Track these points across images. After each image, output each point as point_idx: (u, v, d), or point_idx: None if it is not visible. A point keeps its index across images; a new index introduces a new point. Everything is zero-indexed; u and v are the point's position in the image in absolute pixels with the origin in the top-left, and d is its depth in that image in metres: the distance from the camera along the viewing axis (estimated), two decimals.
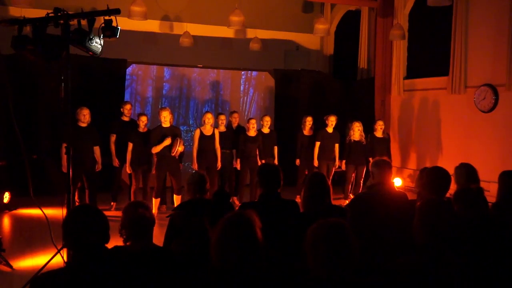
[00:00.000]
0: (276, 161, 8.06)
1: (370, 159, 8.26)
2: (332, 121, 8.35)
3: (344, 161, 8.43)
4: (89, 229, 2.28)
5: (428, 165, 8.14)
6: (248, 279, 2.20)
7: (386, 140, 8.55)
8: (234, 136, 8.02)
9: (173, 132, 7.15)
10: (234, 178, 8.25)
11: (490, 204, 3.49)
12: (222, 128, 7.87)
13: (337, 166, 8.48)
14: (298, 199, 6.00)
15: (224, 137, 7.76)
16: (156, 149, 7.01)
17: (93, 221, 2.32)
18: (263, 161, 7.89)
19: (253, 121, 7.97)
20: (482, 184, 3.61)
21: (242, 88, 10.86)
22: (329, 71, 11.81)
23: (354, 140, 8.34)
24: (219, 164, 7.63)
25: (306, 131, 8.54)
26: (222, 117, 7.94)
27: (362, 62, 10.84)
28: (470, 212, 3.13)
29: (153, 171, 7.31)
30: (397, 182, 9.21)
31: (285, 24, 11.27)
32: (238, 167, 7.95)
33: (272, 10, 11.14)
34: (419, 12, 9.66)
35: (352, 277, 2.13)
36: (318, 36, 10.90)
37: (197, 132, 7.55)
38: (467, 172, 3.96)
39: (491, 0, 8.11)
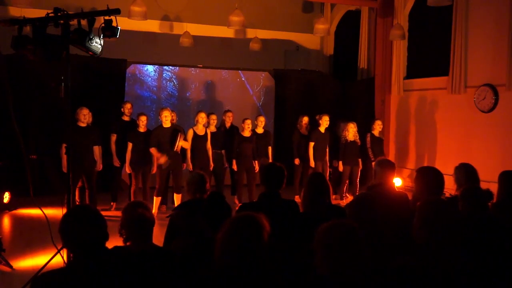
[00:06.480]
0: (270, 161, 8.03)
1: (372, 157, 8.27)
2: (325, 121, 8.33)
3: (340, 162, 8.43)
4: (85, 229, 2.28)
5: (428, 165, 8.15)
6: (248, 280, 2.20)
7: (382, 141, 8.68)
8: (225, 136, 7.95)
9: (174, 132, 7.16)
10: (223, 179, 8.10)
11: (490, 204, 3.49)
12: (213, 128, 7.82)
13: (328, 166, 8.47)
14: (297, 199, 6.01)
15: (215, 137, 7.72)
16: (153, 153, 7.07)
17: (88, 221, 2.31)
18: (256, 161, 7.88)
19: (248, 121, 7.89)
20: (482, 184, 3.61)
21: (241, 88, 10.84)
22: (329, 71, 11.81)
23: (349, 141, 8.33)
24: (211, 164, 7.61)
25: (303, 130, 8.53)
26: (214, 116, 7.87)
27: (362, 62, 10.83)
28: (474, 211, 3.13)
29: (153, 171, 7.31)
30: (397, 182, 9.21)
31: (285, 24, 11.27)
32: (235, 167, 7.91)
33: (272, 10, 11.14)
34: (419, 12, 9.65)
35: (355, 277, 2.14)
36: (318, 36, 10.91)
37: (190, 132, 7.51)
38: (467, 172, 3.96)
39: (491, 0, 8.11)
